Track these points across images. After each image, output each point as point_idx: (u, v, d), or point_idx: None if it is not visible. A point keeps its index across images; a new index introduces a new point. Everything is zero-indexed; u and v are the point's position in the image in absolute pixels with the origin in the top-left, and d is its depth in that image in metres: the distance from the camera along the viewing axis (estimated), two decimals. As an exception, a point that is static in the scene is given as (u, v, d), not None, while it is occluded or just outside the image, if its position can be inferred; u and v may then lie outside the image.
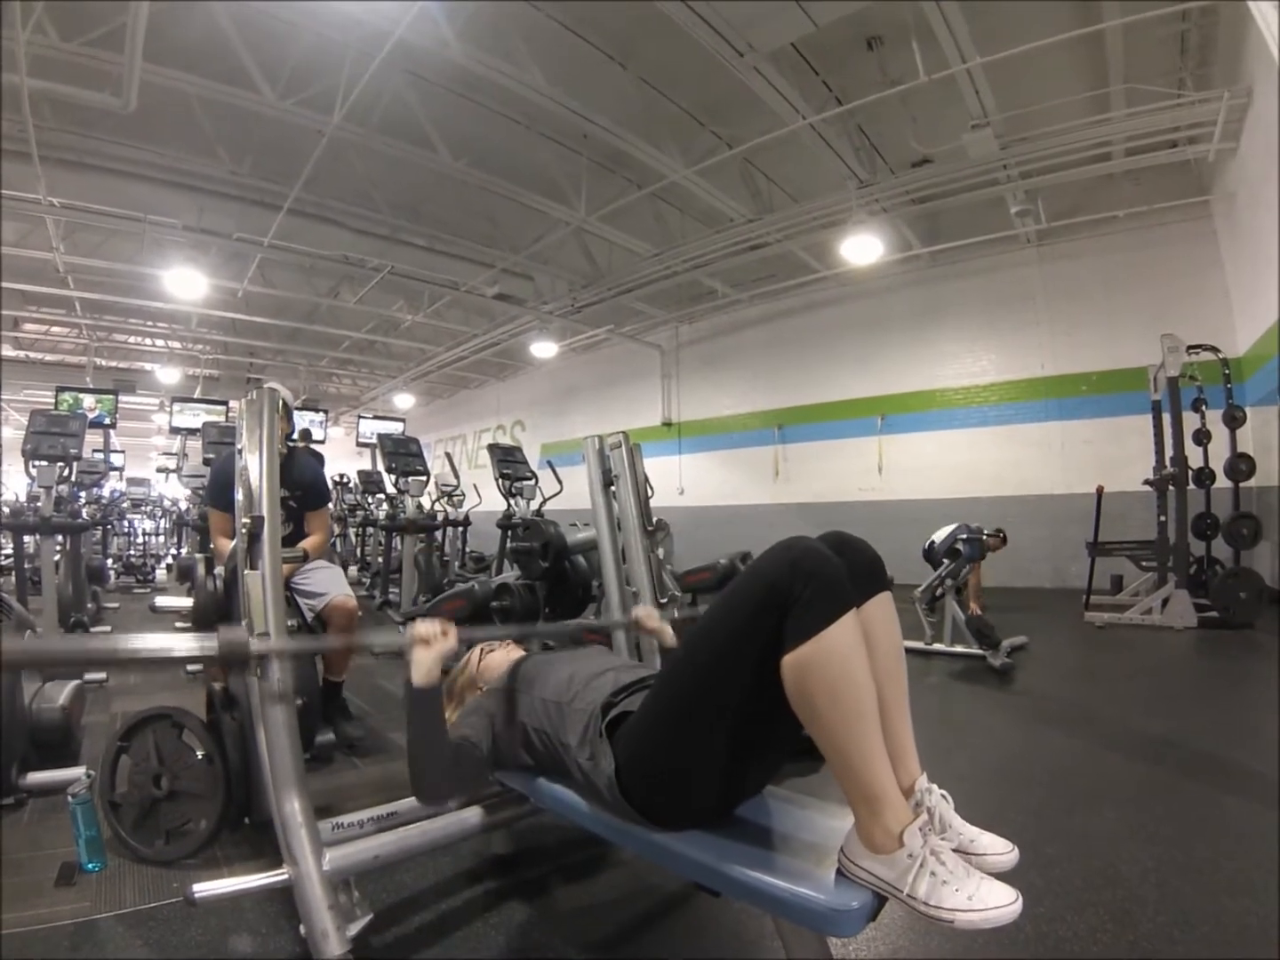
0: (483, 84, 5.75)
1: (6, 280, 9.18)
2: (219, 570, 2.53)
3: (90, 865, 2.23)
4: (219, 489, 3.31)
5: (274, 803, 1.82)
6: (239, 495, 2.03)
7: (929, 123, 6.49)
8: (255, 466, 2.05)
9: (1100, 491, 6.59)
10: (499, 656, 2.20)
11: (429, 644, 1.72)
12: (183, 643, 1.56)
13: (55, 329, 12.43)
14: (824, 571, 1.29)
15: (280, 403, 2.17)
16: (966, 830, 1.34)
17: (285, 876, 1.75)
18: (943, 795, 1.34)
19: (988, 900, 1.14)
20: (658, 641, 2.31)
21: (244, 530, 1.98)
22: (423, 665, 1.70)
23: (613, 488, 3.20)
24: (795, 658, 1.25)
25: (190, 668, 4.64)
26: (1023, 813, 2.50)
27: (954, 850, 1.24)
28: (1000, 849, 1.33)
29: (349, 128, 6.04)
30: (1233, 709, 4.01)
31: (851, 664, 1.25)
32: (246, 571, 1.95)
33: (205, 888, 1.73)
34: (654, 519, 3.25)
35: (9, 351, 12.82)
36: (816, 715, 1.26)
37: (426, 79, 5.85)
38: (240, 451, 2.07)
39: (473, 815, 2.09)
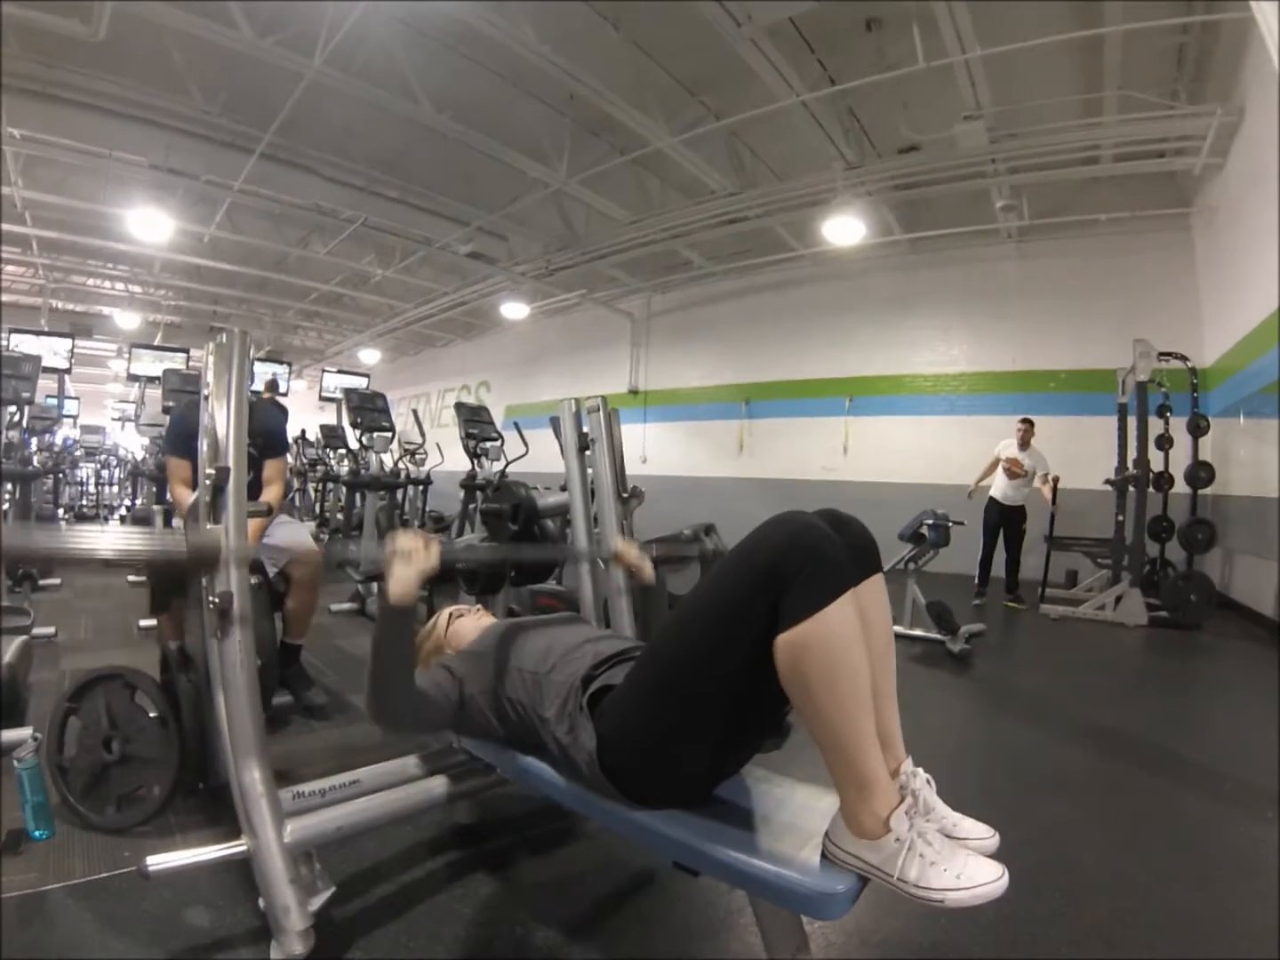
0: (471, 36, 5.56)
1: None
2: (178, 523, 2.43)
3: (38, 833, 2.13)
4: (180, 436, 3.18)
5: (232, 771, 1.74)
6: (203, 445, 1.88)
7: (921, 110, 6.44)
8: (223, 415, 1.90)
9: (1055, 482, 6.75)
10: (469, 622, 2.13)
11: (409, 559, 1.62)
12: (146, 542, 1.45)
13: (10, 268, 11.85)
14: (824, 548, 1.26)
15: (250, 351, 2.02)
16: (949, 815, 1.34)
17: (244, 848, 1.69)
18: (926, 780, 1.34)
19: (975, 877, 1.15)
20: (636, 577, 2.23)
21: (208, 482, 1.84)
22: (401, 580, 1.59)
23: (588, 452, 3.15)
24: (791, 637, 1.22)
25: (143, 623, 4.55)
26: (980, 796, 2.53)
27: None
28: (981, 834, 1.34)
29: (329, 72, 5.82)
30: (1183, 705, 4.19)
31: (849, 645, 1.23)
32: (209, 526, 1.83)
33: (159, 860, 1.65)
34: (629, 486, 3.18)
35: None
36: (810, 697, 1.23)
37: (413, 27, 5.64)
38: (206, 398, 1.95)
39: (438, 785, 2.04)
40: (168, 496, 4.25)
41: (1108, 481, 6.58)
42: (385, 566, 1.63)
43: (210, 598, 1.75)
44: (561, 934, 1.83)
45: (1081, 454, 7.58)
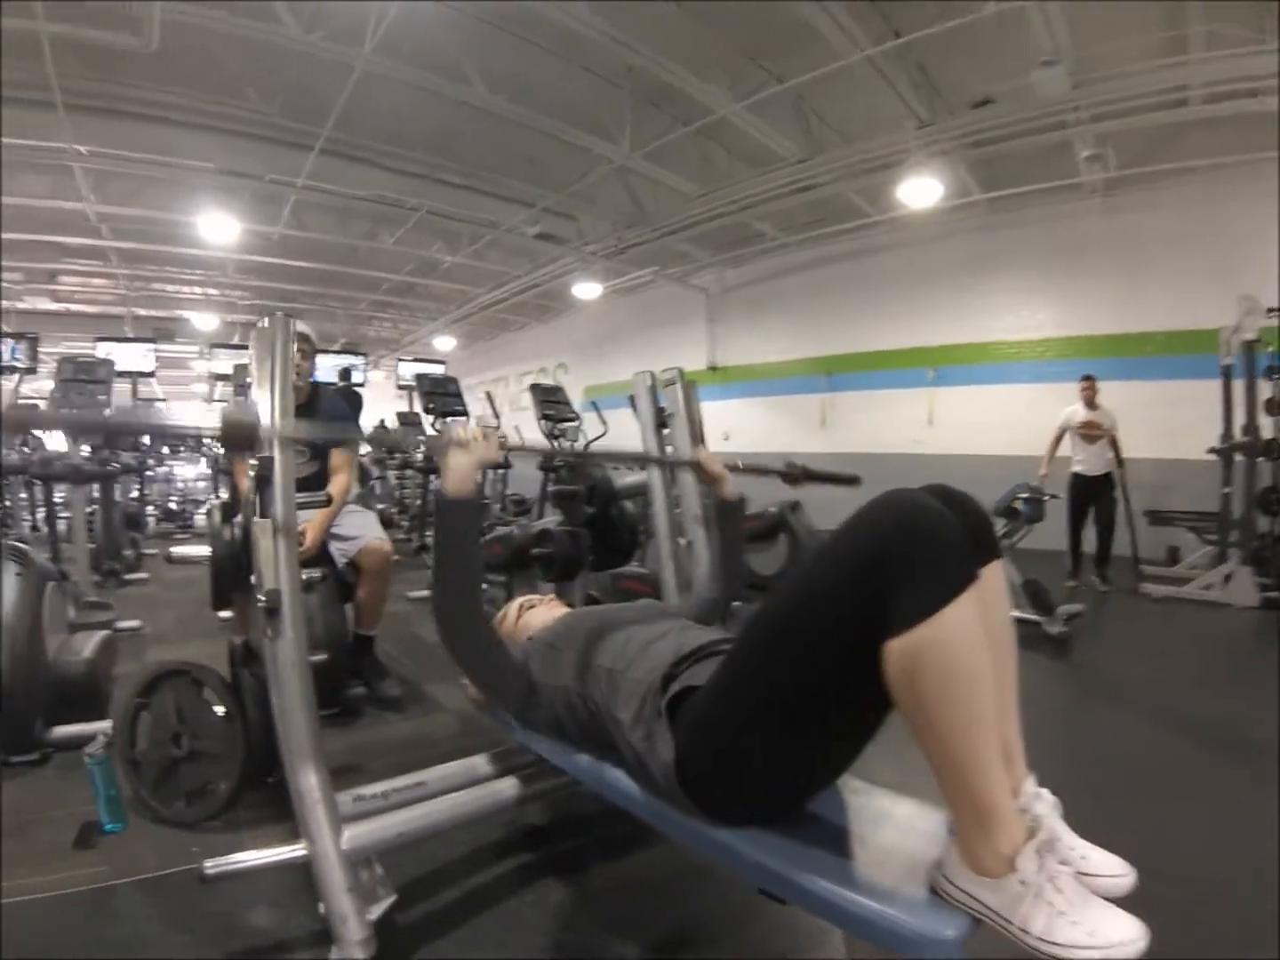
0: (520, 12, 5.43)
1: (43, 232, 9.33)
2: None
3: (110, 826, 2.16)
4: None
5: (289, 775, 1.68)
6: None
7: (994, 60, 6.03)
8: (265, 401, 1.81)
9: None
10: (541, 613, 2.02)
11: (466, 447, 1.52)
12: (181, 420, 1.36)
13: (93, 280, 12.37)
14: (943, 534, 1.06)
15: (294, 336, 1.92)
16: (1078, 846, 1.14)
17: (303, 852, 1.63)
18: (1053, 803, 1.15)
19: (1110, 935, 0.96)
20: (715, 489, 2.10)
21: (252, 474, 1.76)
22: (459, 470, 1.50)
23: (666, 428, 2.99)
24: (904, 644, 1.03)
25: (223, 615, 4.59)
26: (1082, 797, 2.30)
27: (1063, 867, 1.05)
28: (1115, 870, 1.13)
29: (379, 61, 5.78)
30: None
31: (972, 652, 1.04)
32: (255, 520, 1.74)
33: (218, 863, 1.62)
34: None
35: (48, 305, 12.82)
36: (925, 714, 1.05)
37: (459, 9, 5.52)
38: (246, 385, 1.86)
39: (508, 787, 1.94)
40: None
41: (1212, 450, 6.09)
42: (440, 457, 1.54)
43: (258, 596, 1.68)
44: (636, 946, 1.73)
45: (1182, 421, 7.07)
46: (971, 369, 9.29)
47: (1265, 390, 5.91)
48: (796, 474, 2.45)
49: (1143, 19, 5.66)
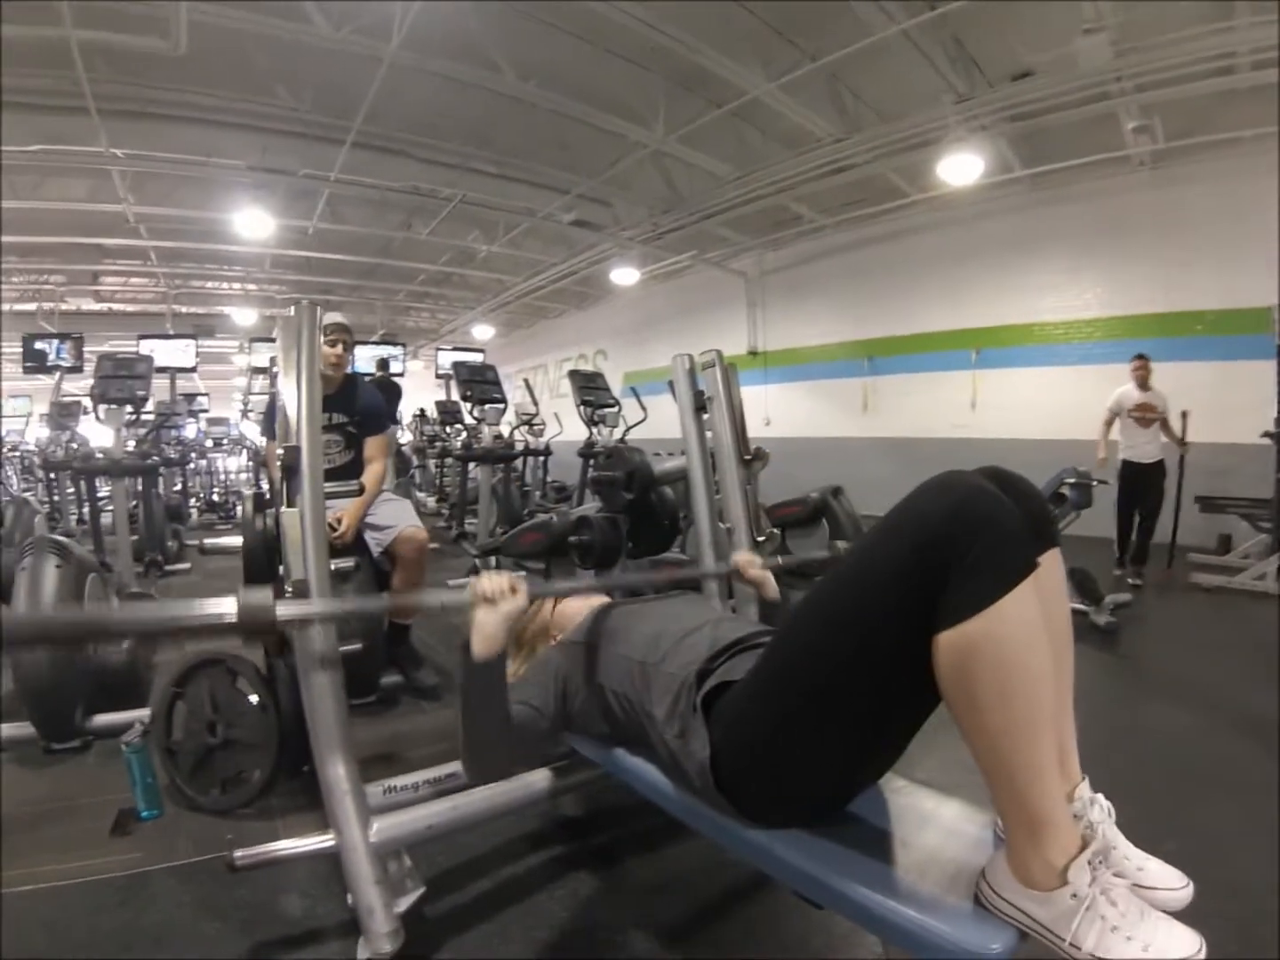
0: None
1: (83, 235, 9.60)
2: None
3: (146, 813, 2.20)
4: (270, 419, 3.21)
5: (318, 766, 1.68)
6: (276, 425, 1.82)
7: (1034, 29, 5.82)
8: (292, 391, 1.79)
9: (1185, 418, 5.98)
10: (576, 603, 1.97)
11: (494, 603, 1.41)
12: (192, 610, 1.35)
13: (134, 280, 12.64)
14: (1000, 521, 0.99)
15: (322, 324, 1.90)
16: (1133, 856, 1.09)
17: (332, 843, 1.64)
18: (1107, 810, 1.09)
19: (1166, 949, 0.90)
20: (758, 593, 2.00)
21: (279, 463, 1.74)
22: (485, 629, 1.40)
23: (705, 413, 2.93)
24: (956, 637, 0.97)
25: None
26: (1132, 800, 2.21)
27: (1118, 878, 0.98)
28: (1173, 883, 1.08)
29: (408, 54, 5.79)
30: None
31: (1030, 648, 0.97)
32: (283, 510, 1.73)
33: (248, 853, 1.63)
34: (752, 447, 2.90)
35: (91, 305, 13.11)
36: (977, 714, 0.99)
37: (484, -1, 5.52)
38: (276, 375, 1.85)
39: (540, 779, 1.93)
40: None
41: (1266, 434, 5.83)
42: (467, 613, 1.45)
43: (285, 586, 1.67)
44: (664, 942, 1.70)
45: (1233, 403, 6.82)
46: (1015, 351, 9.05)
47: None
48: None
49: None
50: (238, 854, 1.62)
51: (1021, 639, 0.96)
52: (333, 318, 3.24)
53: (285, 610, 1.42)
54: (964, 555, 0.97)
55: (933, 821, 1.31)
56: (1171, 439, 6.00)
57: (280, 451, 1.74)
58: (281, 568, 1.76)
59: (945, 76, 6.34)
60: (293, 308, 1.91)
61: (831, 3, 5.34)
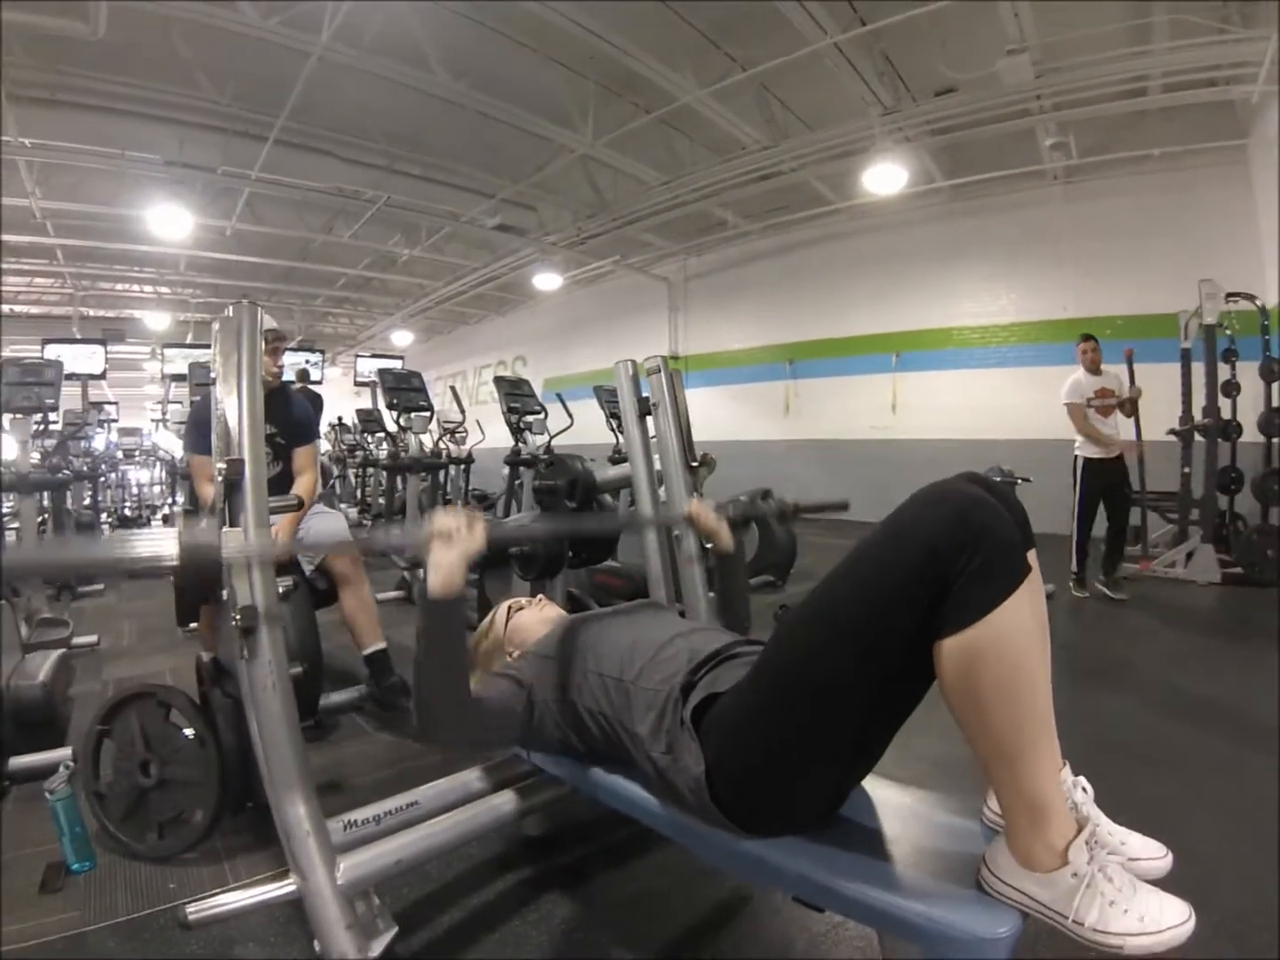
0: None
1: None
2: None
3: (77, 865, 2.02)
4: (199, 430, 3.03)
5: (274, 807, 1.56)
6: (215, 437, 1.64)
7: (960, 47, 6.03)
8: (233, 400, 1.65)
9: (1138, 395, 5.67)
10: (530, 615, 1.92)
11: (450, 540, 1.40)
12: (133, 548, 1.24)
13: (38, 280, 11.98)
14: (997, 530, 1.02)
15: (260, 326, 1.77)
16: (1116, 831, 1.15)
17: (293, 888, 1.52)
18: (1084, 788, 1.15)
19: (1161, 920, 0.96)
20: (712, 544, 2.03)
21: (220, 478, 1.59)
22: (443, 567, 1.38)
23: (649, 418, 2.91)
24: (962, 642, 1.00)
25: (192, 625, 4.44)
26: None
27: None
28: (1153, 853, 1.15)
29: (338, 48, 5.62)
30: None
31: (1029, 647, 1.03)
32: (225, 529, 1.57)
33: (200, 908, 1.48)
34: (698, 453, 2.92)
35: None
36: (983, 714, 1.03)
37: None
38: (214, 383, 1.67)
39: (505, 801, 1.85)
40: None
41: (1172, 431, 6.17)
42: (423, 552, 1.42)
43: (233, 614, 1.54)
44: (644, 956, 1.68)
45: (1141, 403, 7.16)
46: (935, 354, 9.36)
47: (1224, 373, 6.03)
48: (789, 511, 2.42)
49: (1108, 6, 5.71)
50: (190, 909, 1.47)
51: (1021, 638, 1.02)
52: (267, 323, 3.12)
53: (232, 546, 1.36)
54: (968, 563, 1.00)
55: (917, 816, 1.34)
56: (1134, 416, 5.84)
57: (222, 466, 1.59)
58: (223, 592, 1.60)
59: (873, 89, 6.50)
60: (231, 308, 1.73)
61: (768, 14, 5.40)
